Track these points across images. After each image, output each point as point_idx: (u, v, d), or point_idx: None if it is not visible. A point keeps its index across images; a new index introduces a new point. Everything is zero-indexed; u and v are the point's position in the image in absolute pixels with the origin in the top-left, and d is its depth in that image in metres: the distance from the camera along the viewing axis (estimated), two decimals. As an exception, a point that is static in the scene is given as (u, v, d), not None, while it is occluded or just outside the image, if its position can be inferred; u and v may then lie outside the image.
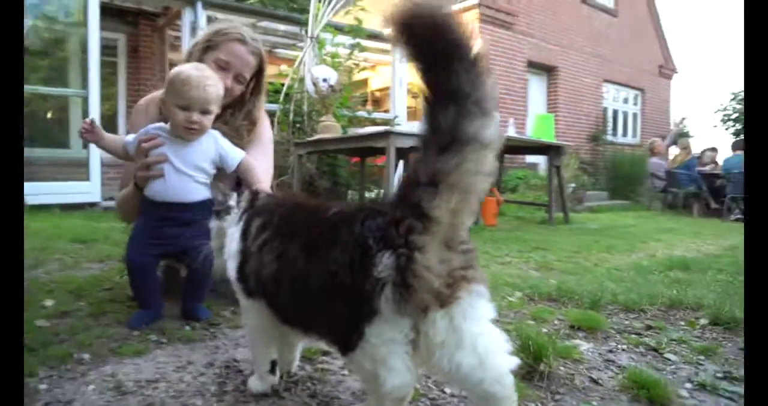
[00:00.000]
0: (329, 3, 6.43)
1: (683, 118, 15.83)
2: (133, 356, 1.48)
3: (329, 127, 5.11)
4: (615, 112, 13.26)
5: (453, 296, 0.88)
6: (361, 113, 7.10)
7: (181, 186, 1.73)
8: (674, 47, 14.45)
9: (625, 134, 13.49)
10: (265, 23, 7.92)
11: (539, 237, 5.01)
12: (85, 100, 6.10)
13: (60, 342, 1.58)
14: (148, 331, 1.70)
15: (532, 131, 7.02)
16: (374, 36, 7.30)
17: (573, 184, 9.35)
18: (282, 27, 8.16)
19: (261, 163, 1.97)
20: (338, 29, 6.52)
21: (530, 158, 10.60)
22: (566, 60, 11.70)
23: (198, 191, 1.75)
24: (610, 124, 12.88)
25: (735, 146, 9.18)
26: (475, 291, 0.90)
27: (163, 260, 1.94)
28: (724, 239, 5.55)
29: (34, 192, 5.34)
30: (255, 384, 1.27)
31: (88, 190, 5.94)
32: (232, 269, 1.20)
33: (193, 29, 6.74)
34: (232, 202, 1.30)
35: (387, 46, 9.26)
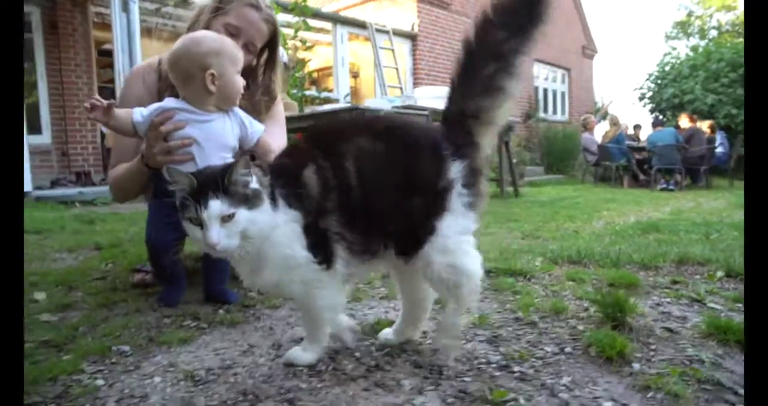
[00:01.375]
0: (274, -23, 6.14)
1: (610, 101, 16.72)
2: (180, 344, 1.33)
3: (288, 106, 4.90)
4: (545, 91, 13.75)
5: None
6: (310, 93, 6.90)
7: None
8: (594, 29, 15.16)
9: (555, 112, 14.04)
10: (200, -2, 7.46)
11: (501, 210, 5.12)
12: None
13: (82, 335, 1.39)
14: (180, 317, 1.55)
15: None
16: (316, 14, 7.07)
17: (515, 160, 9.63)
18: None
19: (278, 140, 1.83)
20: (283, 8, 6.25)
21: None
22: (500, 40, 11.93)
23: None
24: (541, 103, 13.35)
25: (656, 123, 9.81)
26: None
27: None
28: (663, 206, 5.94)
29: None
30: (304, 356, 1.21)
31: (17, 179, 5.37)
32: (299, 249, 1.09)
33: (125, 4, 6.23)
34: (255, 184, 1.08)
35: (326, 25, 9.06)
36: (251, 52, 1.80)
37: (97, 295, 1.80)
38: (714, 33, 22.48)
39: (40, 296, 1.78)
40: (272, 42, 1.86)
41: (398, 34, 9.35)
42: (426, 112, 5.05)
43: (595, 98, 15.59)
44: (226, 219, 1.02)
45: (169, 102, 1.56)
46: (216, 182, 1.03)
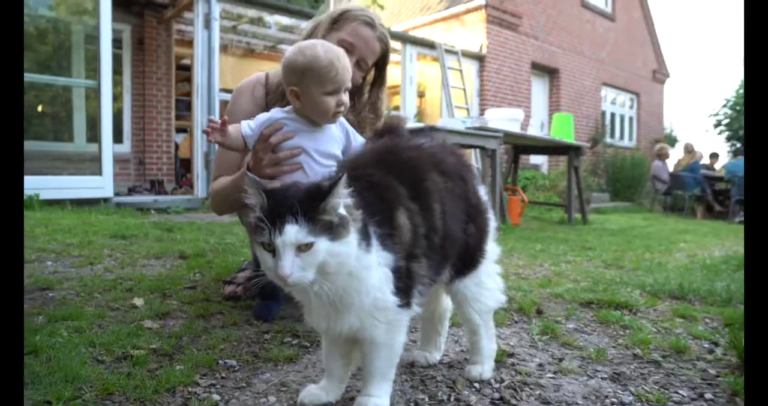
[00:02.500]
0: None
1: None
2: (286, 362, 1.32)
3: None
4: (612, 116, 13.35)
5: None
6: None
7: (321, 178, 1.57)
8: (667, 52, 14.65)
9: (622, 137, 13.58)
10: (276, 17, 7.72)
11: (573, 237, 4.95)
12: (95, 92, 5.83)
13: (187, 345, 1.40)
14: (279, 333, 1.53)
15: (551, 131, 6.96)
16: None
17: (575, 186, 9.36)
18: (287, 21, 7.97)
19: None
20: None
21: (534, 159, 10.58)
22: (568, 62, 11.73)
23: None
24: (608, 128, 12.96)
25: (739, 151, 9.27)
26: None
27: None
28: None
29: (44, 186, 5.07)
30: (381, 402, 1.05)
31: (100, 185, 5.65)
32: (389, 293, 0.99)
33: (207, 22, 6.52)
34: (342, 210, 0.93)
35: (395, 44, 9.17)
36: (362, 69, 1.81)
37: (191, 304, 1.82)
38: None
39: (138, 302, 1.83)
40: (383, 61, 1.86)
41: (466, 54, 9.34)
42: (499, 135, 4.98)
43: (664, 124, 14.96)
44: (304, 248, 0.89)
45: (276, 113, 1.58)
46: (298, 204, 0.89)
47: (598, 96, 12.62)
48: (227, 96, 7.64)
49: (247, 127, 1.53)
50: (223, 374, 1.22)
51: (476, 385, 1.19)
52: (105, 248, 2.86)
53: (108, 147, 5.77)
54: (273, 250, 0.90)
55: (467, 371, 1.23)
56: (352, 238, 0.92)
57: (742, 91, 13.00)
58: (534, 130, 6.39)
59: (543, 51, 11.13)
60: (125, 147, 7.42)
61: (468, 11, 9.91)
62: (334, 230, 0.90)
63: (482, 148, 5.07)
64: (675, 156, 11.47)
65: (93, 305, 1.77)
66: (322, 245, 0.89)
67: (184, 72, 8.43)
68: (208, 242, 3.25)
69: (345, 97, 1.55)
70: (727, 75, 54.50)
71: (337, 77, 1.52)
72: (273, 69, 1.90)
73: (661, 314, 1.83)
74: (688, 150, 9.61)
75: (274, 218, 0.88)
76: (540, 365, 1.32)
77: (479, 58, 9.83)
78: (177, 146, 8.12)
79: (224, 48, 8.22)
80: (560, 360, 1.37)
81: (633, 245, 4.61)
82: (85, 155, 6.51)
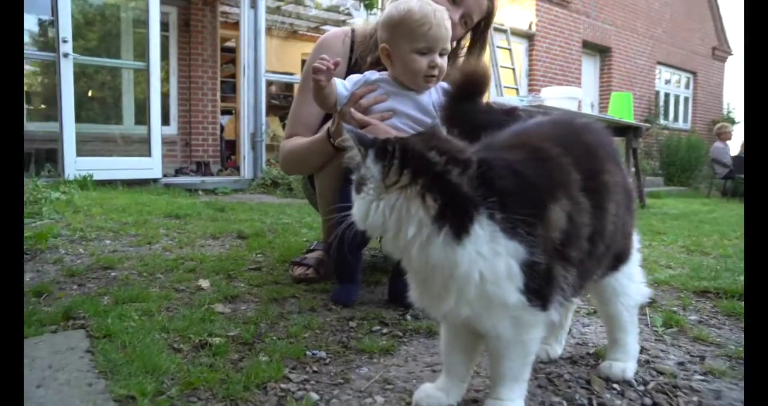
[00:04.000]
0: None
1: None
2: (382, 355, 1.15)
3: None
4: (666, 96, 12.69)
5: None
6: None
7: None
8: (730, 27, 13.77)
9: (676, 119, 12.92)
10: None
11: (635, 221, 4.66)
12: (143, 74, 5.80)
13: (266, 333, 1.26)
14: (363, 320, 1.38)
15: (609, 110, 6.60)
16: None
17: (632, 169, 8.93)
18: (329, 1, 7.78)
19: None
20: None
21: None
22: (620, 41, 11.16)
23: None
24: (661, 109, 12.34)
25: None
26: None
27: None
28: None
29: (97, 167, 5.09)
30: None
31: (150, 166, 5.65)
32: (512, 291, 0.79)
33: (253, 2, 6.39)
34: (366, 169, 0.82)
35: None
36: (466, 25, 1.63)
37: (260, 287, 1.69)
38: None
39: (205, 283, 1.70)
40: (486, 21, 1.67)
41: (515, 33, 8.96)
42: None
43: (723, 105, 14.15)
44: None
45: (371, 74, 1.42)
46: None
47: (652, 75, 12.01)
48: (274, 77, 7.64)
49: (342, 86, 1.38)
50: (315, 368, 1.07)
51: (616, 386, 1.00)
52: (161, 228, 2.77)
53: (156, 129, 5.75)
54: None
55: (607, 368, 1.04)
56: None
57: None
58: (586, 111, 6.05)
59: (594, 29, 10.61)
60: (172, 129, 7.42)
61: (518, -12, 9.50)
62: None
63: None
64: (737, 137, 10.83)
65: (158, 286, 1.66)
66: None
67: (229, 54, 8.39)
68: (264, 222, 3.14)
69: (440, 60, 1.37)
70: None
71: (429, 32, 1.34)
72: (358, 25, 1.73)
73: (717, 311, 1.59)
74: (754, 131, 9.00)
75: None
76: (680, 363, 1.12)
77: (528, 37, 9.43)
78: (222, 128, 8.10)
79: (268, 30, 8.09)
80: (701, 358, 1.16)
81: (703, 230, 4.29)
82: (133, 137, 6.54)
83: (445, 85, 1.45)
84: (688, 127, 12.85)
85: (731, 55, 13.87)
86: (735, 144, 9.56)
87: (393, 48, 1.38)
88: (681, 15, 12.52)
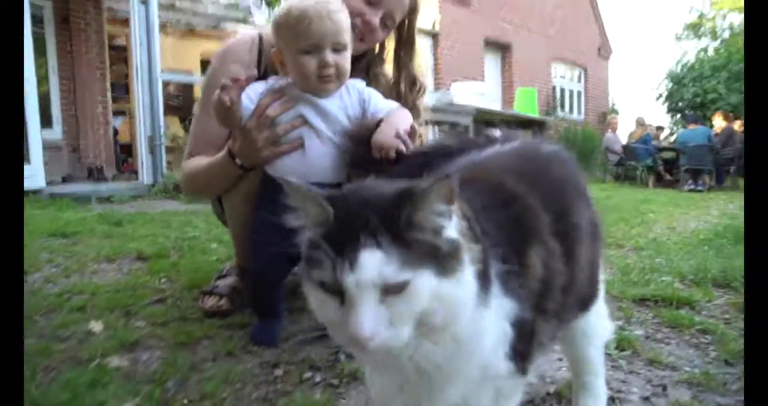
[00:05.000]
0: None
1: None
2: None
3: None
4: (562, 90, 13.44)
5: None
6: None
7: (325, 159, 1.24)
8: (609, 29, 14.91)
9: (571, 111, 13.72)
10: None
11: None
12: (16, 73, 5.14)
13: (175, 398, 1.05)
14: (291, 366, 1.20)
15: (515, 106, 6.81)
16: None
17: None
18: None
19: None
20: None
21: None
22: (519, 39, 11.63)
23: (343, 166, 1.26)
24: (559, 101, 13.05)
25: (689, 120, 9.51)
26: None
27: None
28: (707, 209, 5.70)
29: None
30: None
31: (29, 173, 4.98)
32: (503, 358, 0.67)
33: (143, -6, 5.87)
34: (453, 232, 0.60)
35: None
36: (388, 27, 1.48)
37: (165, 326, 1.46)
38: (727, 34, 22.21)
39: (96, 326, 1.44)
40: (411, 18, 1.54)
41: (420, 31, 8.99)
42: (471, 110, 4.74)
43: (609, 99, 15.30)
44: (394, 290, 0.56)
45: (276, 81, 1.25)
46: (380, 216, 0.57)
47: (549, 71, 12.64)
48: (171, 76, 7.11)
49: (247, 98, 1.20)
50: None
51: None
52: (43, 252, 2.39)
53: (36, 132, 5.12)
54: (340, 293, 0.57)
55: None
56: (468, 274, 0.59)
57: (682, 64, 13.37)
58: (494, 107, 6.21)
59: (495, 28, 10.97)
60: (56, 133, 6.68)
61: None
62: (441, 261, 0.57)
63: (453, 125, 4.82)
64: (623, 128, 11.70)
65: (34, 335, 1.37)
66: (425, 282, 0.56)
67: (119, 52, 7.72)
68: (168, 236, 2.83)
69: (335, 56, 1.22)
70: (666, 50, 56.92)
71: (311, 28, 1.19)
72: (266, 31, 1.55)
73: (724, 310, 1.62)
74: (640, 123, 9.78)
75: (342, 241, 0.56)
76: (645, 399, 1.06)
77: (433, 35, 9.53)
78: (116, 131, 7.44)
79: (162, 27, 7.53)
80: (663, 389, 1.11)
81: (608, 217, 4.48)
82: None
83: (361, 84, 1.31)
84: (581, 119, 13.69)
85: (612, 53, 14.96)
86: (622, 134, 10.34)
87: (282, 52, 1.23)
88: (570, 16, 13.29)
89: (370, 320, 0.54)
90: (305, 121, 1.23)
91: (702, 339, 1.37)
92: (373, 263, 0.54)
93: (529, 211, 0.72)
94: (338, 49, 1.24)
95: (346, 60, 1.26)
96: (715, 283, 1.88)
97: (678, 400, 1.05)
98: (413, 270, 0.55)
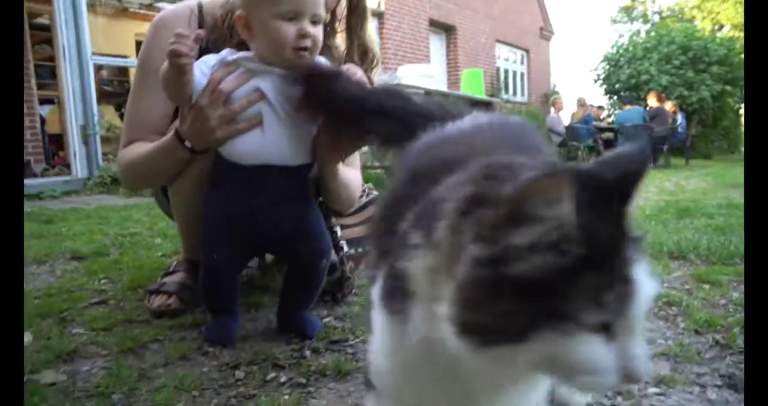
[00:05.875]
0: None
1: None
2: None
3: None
4: (506, 72, 13.62)
5: None
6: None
7: (287, 139, 1.14)
8: (551, 11, 15.19)
9: (515, 93, 13.95)
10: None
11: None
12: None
13: (123, 405, 0.95)
14: (253, 364, 1.12)
15: (462, 87, 6.81)
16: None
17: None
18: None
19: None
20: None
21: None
22: (463, 20, 11.66)
23: (306, 147, 1.18)
24: (503, 83, 13.23)
25: (625, 101, 9.85)
26: None
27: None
28: (647, 186, 5.91)
29: None
30: None
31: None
32: None
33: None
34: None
35: None
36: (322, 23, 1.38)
37: (108, 331, 1.33)
38: (656, 18, 23.15)
39: (26, 337, 1.30)
40: None
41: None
42: (420, 92, 4.68)
43: (551, 81, 15.65)
44: None
45: (229, 53, 1.14)
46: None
47: (493, 53, 12.76)
48: (103, 60, 6.68)
49: (199, 72, 1.08)
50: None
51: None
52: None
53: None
54: (610, 333, 0.45)
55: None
56: None
57: (617, 46, 13.80)
58: (442, 86, 6.18)
59: (440, 8, 10.93)
60: (-27, 124, 6.17)
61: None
62: None
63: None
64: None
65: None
66: None
67: (42, 32, 7.15)
68: (107, 233, 2.65)
69: (313, 29, 1.13)
70: (604, 32, 58.81)
71: None
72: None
73: (685, 281, 1.65)
74: (581, 104, 10.04)
75: (605, 263, 0.44)
76: None
77: (378, 15, 9.39)
78: (43, 120, 6.93)
79: (91, 6, 7.03)
80: None
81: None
82: None
83: (321, 58, 1.22)
84: (525, 100, 13.96)
85: (553, 34, 15.27)
86: (565, 114, 10.57)
87: (252, 15, 1.11)
88: (511, -3, 13.42)
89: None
90: (263, 96, 1.13)
91: (669, 311, 1.39)
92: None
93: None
94: (315, 21, 1.14)
95: (320, 33, 1.16)
96: (671, 256, 1.92)
97: (659, 373, 1.04)
98: None
